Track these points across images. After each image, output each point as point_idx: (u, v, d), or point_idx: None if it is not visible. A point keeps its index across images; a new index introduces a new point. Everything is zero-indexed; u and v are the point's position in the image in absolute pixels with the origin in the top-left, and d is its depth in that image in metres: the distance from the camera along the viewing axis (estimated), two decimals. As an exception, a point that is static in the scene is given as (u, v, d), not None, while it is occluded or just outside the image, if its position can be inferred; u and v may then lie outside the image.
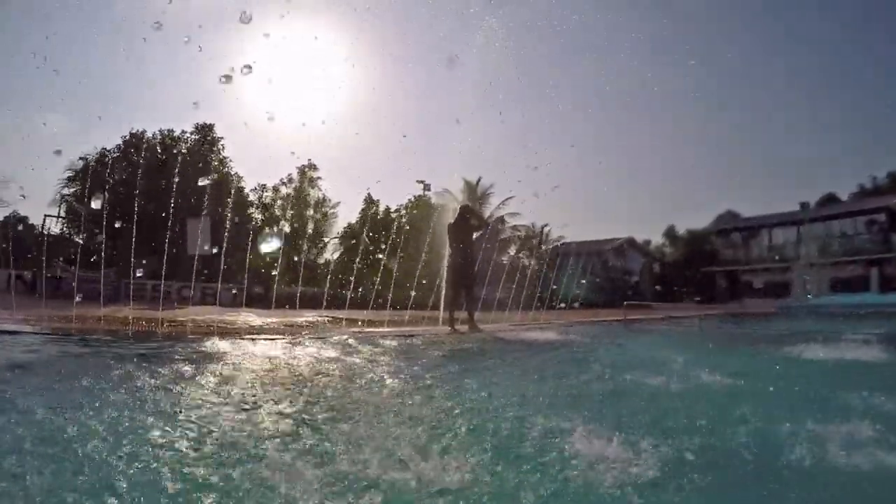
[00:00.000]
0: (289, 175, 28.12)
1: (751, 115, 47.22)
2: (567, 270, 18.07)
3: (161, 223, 16.95)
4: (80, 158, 22.07)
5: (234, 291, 18.19)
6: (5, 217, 24.78)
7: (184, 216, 17.43)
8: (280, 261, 23.97)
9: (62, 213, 22.91)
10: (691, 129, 48.65)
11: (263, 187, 26.54)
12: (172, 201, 17.94)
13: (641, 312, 14.17)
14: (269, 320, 8.98)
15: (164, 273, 17.71)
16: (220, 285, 15.74)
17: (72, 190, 22.46)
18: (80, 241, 21.57)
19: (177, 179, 18.01)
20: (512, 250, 29.93)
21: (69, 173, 22.82)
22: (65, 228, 22.58)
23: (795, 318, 14.12)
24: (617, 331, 8.69)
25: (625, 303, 12.28)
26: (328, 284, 17.13)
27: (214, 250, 15.25)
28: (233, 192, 21.88)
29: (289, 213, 28.00)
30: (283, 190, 28.53)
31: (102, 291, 10.75)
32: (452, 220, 8.41)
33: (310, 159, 26.62)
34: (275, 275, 18.56)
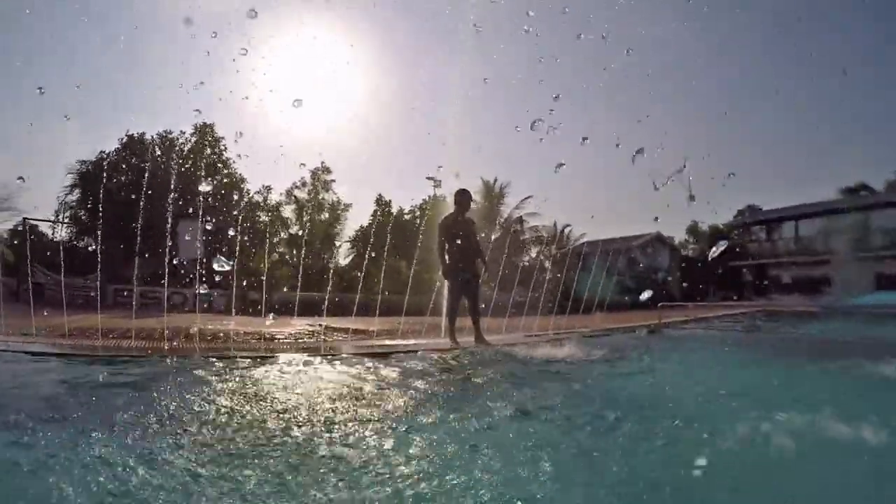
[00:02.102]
0: (301, 178, 27.13)
1: (765, 105, 44.49)
2: (591, 271, 16.59)
3: (155, 227, 16.00)
4: (79, 162, 21.33)
5: (229, 297, 16.99)
6: (14, 225, 24.25)
7: (178, 219, 16.35)
8: (282, 265, 22.98)
9: (64, 218, 22.21)
10: (709, 119, 46.39)
11: (269, 189, 25.48)
12: (170, 204, 16.97)
13: (678, 314, 12.60)
14: (245, 329, 7.70)
15: (150, 278, 16.72)
16: (214, 291, 14.59)
17: (73, 197, 21.71)
18: (88, 248, 20.82)
19: (174, 181, 17.01)
20: (532, 252, 28.50)
21: (71, 179, 22.13)
22: (55, 234, 21.85)
23: (849, 319, 12.51)
24: (658, 341, 7.14)
25: (659, 304, 10.72)
26: (330, 290, 15.94)
27: (200, 254, 14.20)
28: (234, 193, 20.84)
29: (304, 218, 26.99)
30: (298, 194, 27.55)
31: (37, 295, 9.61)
32: (449, 213, 6.83)
33: (322, 161, 25.58)
34: (271, 280, 17.49)
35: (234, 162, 23.25)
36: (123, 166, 18.33)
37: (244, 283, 16.09)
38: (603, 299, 13.44)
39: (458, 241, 6.56)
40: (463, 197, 6.91)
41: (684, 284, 32.16)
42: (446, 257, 6.56)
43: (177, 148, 21.57)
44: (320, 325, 10.10)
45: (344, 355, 4.56)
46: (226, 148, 22.73)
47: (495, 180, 27.92)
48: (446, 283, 6.70)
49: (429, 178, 24.14)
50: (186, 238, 14.61)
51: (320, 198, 27.92)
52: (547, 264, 25.86)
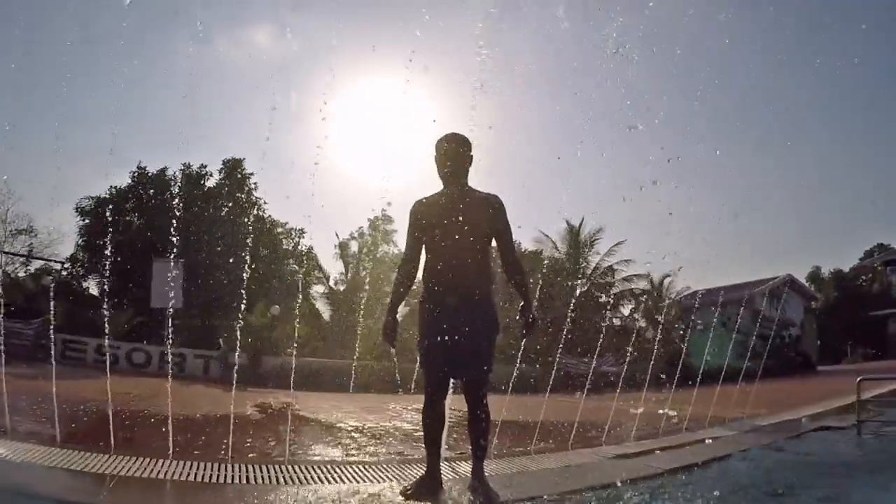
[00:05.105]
0: (359, 228, 24.21)
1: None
2: (702, 330, 12.63)
3: (132, 270, 13.17)
4: (86, 198, 19.35)
5: (208, 360, 13.36)
6: (36, 269, 22.92)
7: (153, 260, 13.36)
8: (291, 326, 19.46)
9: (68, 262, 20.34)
10: (821, 154, 39.68)
11: (301, 232, 22.39)
12: (176, 244, 14.23)
13: (877, 388, 7.79)
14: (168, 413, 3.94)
15: (117, 331, 13.55)
16: (192, 350, 11.11)
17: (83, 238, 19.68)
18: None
19: (176, 218, 14.41)
20: (626, 309, 23.05)
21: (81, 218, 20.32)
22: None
23: None
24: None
25: (859, 380, 5.95)
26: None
27: (173, 303, 11.06)
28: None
29: (348, 274, 23.86)
30: (354, 245, 24.60)
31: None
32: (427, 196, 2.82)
33: (383, 209, 22.38)
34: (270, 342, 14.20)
35: (265, 203, 20.63)
36: (129, 205, 16.01)
37: (220, 341, 12.62)
38: (736, 368, 8.78)
39: (445, 246, 2.62)
40: (452, 145, 2.72)
41: (818, 341, 25.95)
42: (407, 285, 2.84)
43: (203, 182, 19.16)
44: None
45: None
46: (256, 186, 20.20)
47: (581, 223, 22.80)
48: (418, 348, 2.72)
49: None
50: (161, 282, 11.55)
51: (380, 251, 24.73)
52: (643, 322, 20.75)
